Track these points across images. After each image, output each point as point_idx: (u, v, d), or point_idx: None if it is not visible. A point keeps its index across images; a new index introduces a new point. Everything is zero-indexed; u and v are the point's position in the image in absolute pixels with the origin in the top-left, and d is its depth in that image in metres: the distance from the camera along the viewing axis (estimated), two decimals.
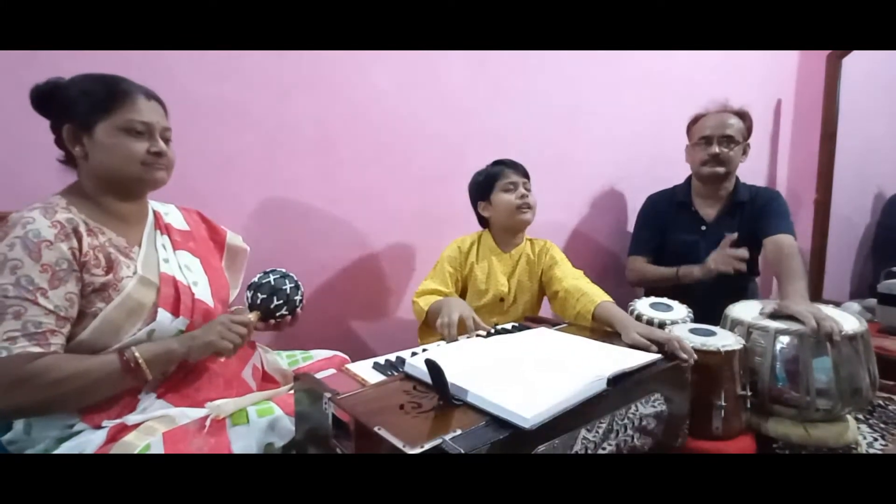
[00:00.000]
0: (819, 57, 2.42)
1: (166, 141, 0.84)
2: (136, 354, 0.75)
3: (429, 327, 1.20)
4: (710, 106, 1.65)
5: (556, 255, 1.33)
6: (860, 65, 2.40)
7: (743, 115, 1.63)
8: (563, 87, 1.78)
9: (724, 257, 1.45)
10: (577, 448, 0.66)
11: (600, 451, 0.70)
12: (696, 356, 0.92)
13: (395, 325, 1.54)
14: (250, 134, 1.25)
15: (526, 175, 1.31)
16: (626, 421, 0.74)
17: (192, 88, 1.15)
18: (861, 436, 1.16)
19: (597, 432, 0.69)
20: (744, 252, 1.43)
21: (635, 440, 0.76)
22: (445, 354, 0.78)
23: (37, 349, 0.68)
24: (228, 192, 1.24)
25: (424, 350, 0.88)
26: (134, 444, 0.69)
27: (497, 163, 1.33)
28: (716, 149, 1.57)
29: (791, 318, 1.15)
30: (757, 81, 2.33)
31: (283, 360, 1.05)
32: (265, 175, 1.29)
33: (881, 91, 2.59)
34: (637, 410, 0.76)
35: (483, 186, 1.32)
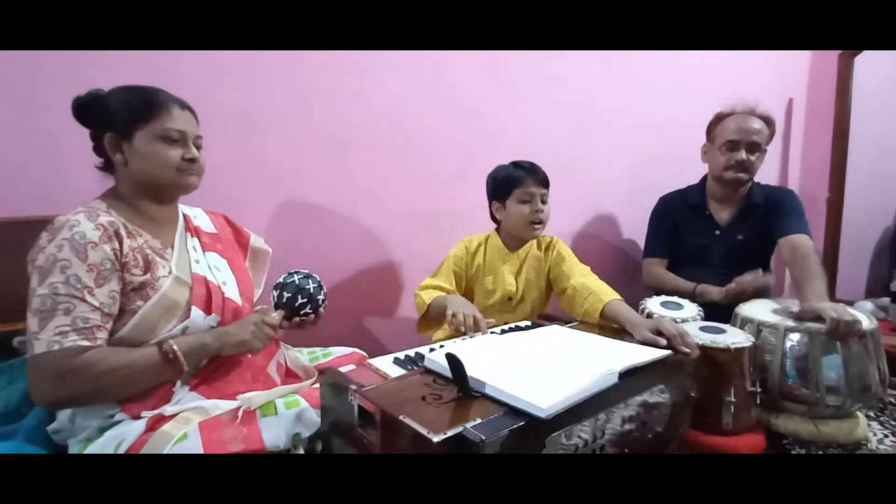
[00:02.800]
0: (830, 56, 2.42)
1: (198, 148, 0.89)
2: (175, 346, 0.80)
3: (427, 320, 1.23)
4: (737, 106, 1.57)
5: (563, 251, 1.33)
6: (872, 64, 2.38)
7: (768, 121, 1.56)
8: (574, 88, 1.81)
9: (740, 287, 1.43)
10: (583, 435, 0.68)
11: (604, 440, 0.73)
12: (697, 350, 0.94)
13: (408, 323, 1.58)
14: (269, 138, 1.30)
15: (545, 184, 1.28)
16: (629, 410, 0.77)
17: (213, 96, 1.20)
18: (871, 432, 1.17)
19: (604, 419, 0.72)
20: (759, 283, 1.42)
21: (637, 429, 0.79)
22: (464, 350, 0.82)
23: (85, 343, 0.73)
24: (248, 195, 1.29)
25: (441, 346, 0.92)
26: (171, 433, 0.73)
27: (519, 166, 1.29)
28: (742, 155, 1.51)
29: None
30: (768, 81, 2.33)
31: (304, 357, 1.10)
32: (283, 178, 1.34)
33: (893, 90, 2.58)
34: (639, 400, 0.79)
35: (500, 188, 1.30)
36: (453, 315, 1.05)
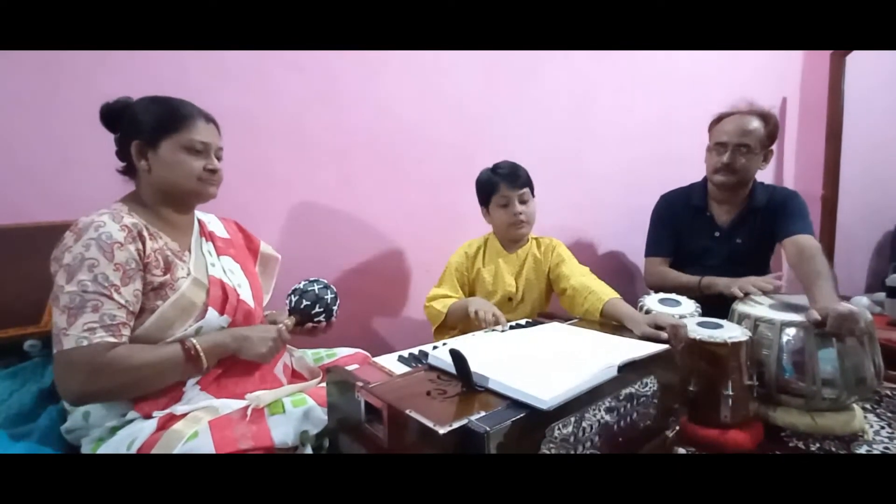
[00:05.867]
0: (823, 55, 2.45)
1: (219, 159, 0.93)
2: (197, 345, 0.82)
3: (445, 328, 1.26)
4: (739, 105, 1.55)
5: (562, 252, 1.36)
6: (864, 62, 2.42)
7: (766, 118, 1.52)
8: (570, 90, 1.84)
9: (749, 284, 1.40)
10: (578, 425, 0.70)
11: (598, 429, 0.75)
12: (683, 343, 0.96)
13: (410, 323, 1.60)
14: (275, 145, 1.33)
15: (524, 184, 1.29)
16: (621, 402, 0.78)
17: (218, 101, 1.20)
18: (868, 424, 1.19)
19: (598, 410, 0.74)
20: (770, 286, 1.39)
21: (630, 419, 0.81)
22: (467, 346, 0.83)
23: (112, 339, 0.75)
24: (252, 199, 1.31)
25: (444, 344, 0.93)
26: (183, 431, 0.75)
27: (496, 170, 1.31)
28: (727, 158, 1.50)
29: (796, 310, 1.20)
30: (762, 81, 2.37)
31: (309, 358, 1.12)
32: (287, 182, 1.37)
33: (885, 88, 2.61)
34: (633, 390, 0.81)
35: (482, 194, 1.35)
36: (476, 312, 1.12)
